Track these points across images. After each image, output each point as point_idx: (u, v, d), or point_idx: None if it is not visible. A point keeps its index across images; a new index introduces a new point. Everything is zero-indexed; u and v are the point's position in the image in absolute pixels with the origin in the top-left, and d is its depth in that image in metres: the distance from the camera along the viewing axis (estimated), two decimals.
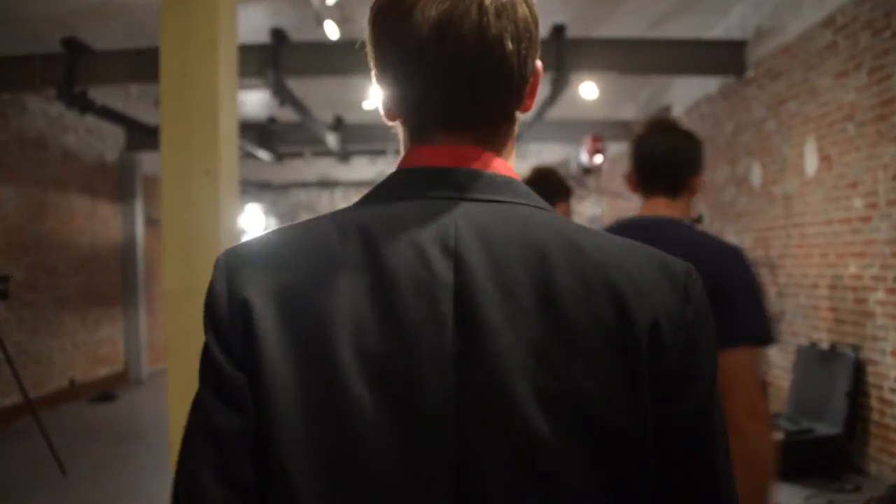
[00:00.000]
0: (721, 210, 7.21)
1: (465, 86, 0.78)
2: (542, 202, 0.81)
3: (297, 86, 7.14)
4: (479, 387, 0.70)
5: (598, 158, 7.32)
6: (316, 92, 7.79)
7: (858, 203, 4.89)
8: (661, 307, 0.74)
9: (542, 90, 7.28)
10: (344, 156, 10.42)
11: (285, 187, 13.44)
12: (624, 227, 1.91)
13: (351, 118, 9.83)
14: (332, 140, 9.38)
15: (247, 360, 0.72)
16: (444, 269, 0.73)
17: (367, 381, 0.70)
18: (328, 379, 0.70)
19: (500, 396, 0.70)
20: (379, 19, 0.80)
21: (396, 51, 0.78)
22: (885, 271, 4.62)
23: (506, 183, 0.80)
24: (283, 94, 6.53)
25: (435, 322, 0.71)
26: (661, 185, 1.95)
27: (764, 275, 6.44)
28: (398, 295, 0.72)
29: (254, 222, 12.62)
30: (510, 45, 0.76)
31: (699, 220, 3.12)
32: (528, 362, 0.70)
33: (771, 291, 6.35)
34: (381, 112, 0.86)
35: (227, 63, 2.78)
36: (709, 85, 7.34)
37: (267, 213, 12.98)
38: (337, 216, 0.81)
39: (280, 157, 9.92)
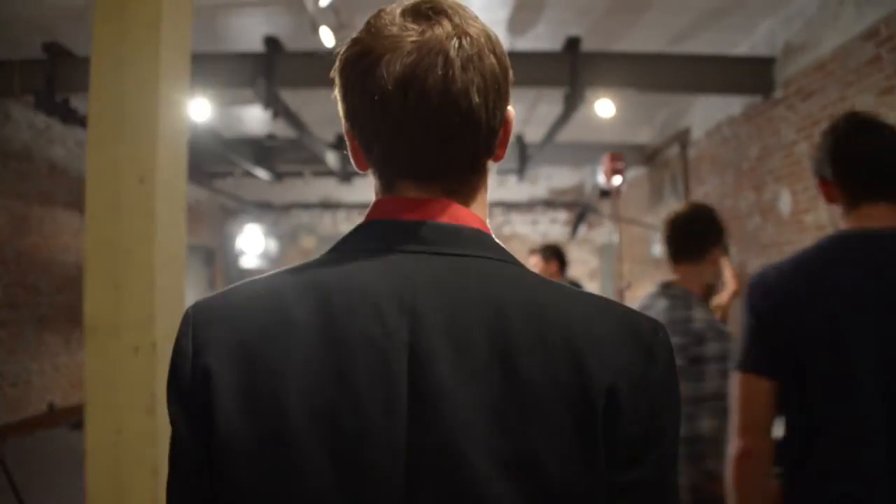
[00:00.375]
0: (745, 240, 6.70)
1: (430, 139, 0.78)
2: (508, 255, 0.82)
3: (293, 99, 6.74)
4: (430, 448, 0.69)
5: (618, 180, 6.38)
6: (315, 107, 7.40)
7: None
8: (622, 368, 0.73)
9: (555, 108, 6.93)
10: (345, 176, 10.01)
11: (286, 208, 13.02)
12: (853, 243, 1.72)
13: None
14: (332, 159, 8.97)
15: (204, 416, 0.73)
16: (398, 326, 0.73)
17: (317, 440, 0.69)
18: (278, 437, 0.70)
19: (452, 457, 0.69)
20: (346, 71, 0.80)
21: (362, 104, 0.78)
22: None
23: (472, 235, 0.80)
24: (276, 106, 6.10)
25: (387, 381, 0.71)
26: (883, 191, 1.71)
27: None
28: (349, 353, 0.72)
29: (252, 243, 12.20)
30: (476, 98, 0.77)
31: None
32: (482, 423, 0.69)
33: None
34: (352, 162, 0.86)
35: (174, 62, 2.33)
36: (732, 106, 6.88)
37: (267, 234, 12.55)
38: (297, 271, 0.81)
39: (279, 176, 9.50)
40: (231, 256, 12.38)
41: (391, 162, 0.82)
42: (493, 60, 0.79)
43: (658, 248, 7.51)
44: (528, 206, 13.72)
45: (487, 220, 0.87)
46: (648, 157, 9.94)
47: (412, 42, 0.76)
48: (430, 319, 0.72)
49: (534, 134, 8.90)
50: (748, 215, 6.70)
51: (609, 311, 0.77)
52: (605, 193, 7.31)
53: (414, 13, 0.78)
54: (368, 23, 0.80)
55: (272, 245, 12.59)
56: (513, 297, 0.74)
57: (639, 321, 0.76)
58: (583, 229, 11.72)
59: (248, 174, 9.39)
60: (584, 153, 9.66)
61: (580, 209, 6.64)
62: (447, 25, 0.77)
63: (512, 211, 13.55)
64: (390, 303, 0.73)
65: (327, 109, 8.71)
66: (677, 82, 6.11)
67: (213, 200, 11.93)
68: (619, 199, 6.67)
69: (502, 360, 0.70)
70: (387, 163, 0.82)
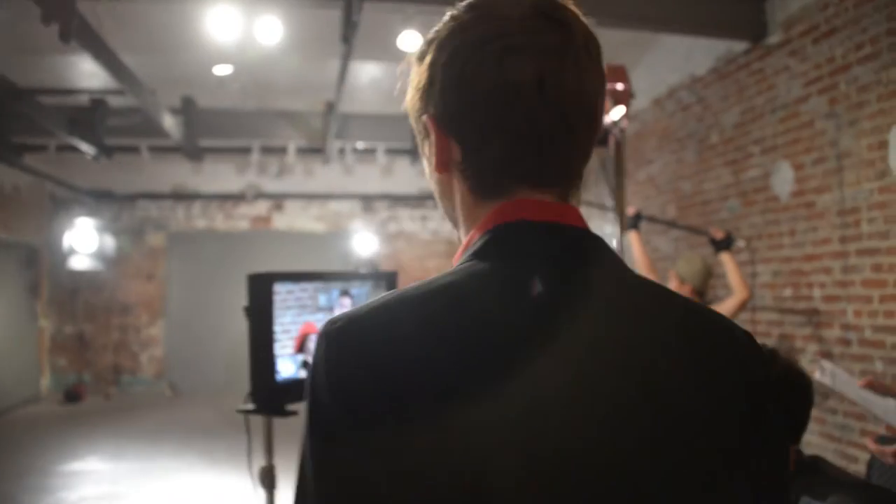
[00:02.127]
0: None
1: (561, 136, 0.74)
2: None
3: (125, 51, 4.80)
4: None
5: (618, 113, 3.69)
6: (155, 63, 5.49)
7: None
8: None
9: None
10: (193, 153, 8.01)
11: (131, 198, 10.76)
12: None
13: (206, 102, 7.46)
14: (171, 125, 6.98)
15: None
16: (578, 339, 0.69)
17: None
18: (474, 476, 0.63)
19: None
20: (459, 60, 0.74)
21: (484, 92, 0.72)
22: None
23: (606, 245, 0.77)
24: (86, 39, 4.13)
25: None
26: None
27: (798, 327, 4.46)
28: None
29: (84, 241, 9.88)
30: (598, 102, 0.76)
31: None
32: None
33: (809, 352, 4.37)
34: (431, 160, 0.80)
35: None
36: (695, 63, 5.43)
37: (104, 229, 10.25)
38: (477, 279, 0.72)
39: (107, 151, 7.37)
40: (59, 256, 10.02)
41: (512, 161, 0.74)
42: (602, 69, 0.77)
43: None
44: (417, 200, 12.04)
45: None
46: None
47: (552, 34, 0.72)
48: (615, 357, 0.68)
49: None
50: (720, 199, 5.24)
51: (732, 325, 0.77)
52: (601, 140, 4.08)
53: (546, 5, 0.74)
54: (487, 3, 0.76)
55: (109, 243, 10.30)
56: (669, 319, 0.74)
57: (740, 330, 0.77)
58: None
59: (70, 148, 7.23)
60: None
61: None
62: (579, 26, 0.74)
63: (399, 205, 11.84)
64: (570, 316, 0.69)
65: (175, 64, 6.87)
66: (643, 16, 4.54)
67: (38, 187, 9.54)
68: (622, 147, 3.98)
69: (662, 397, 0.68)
70: (505, 162, 0.75)
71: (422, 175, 11.01)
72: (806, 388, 1.71)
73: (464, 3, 0.77)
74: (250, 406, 1.64)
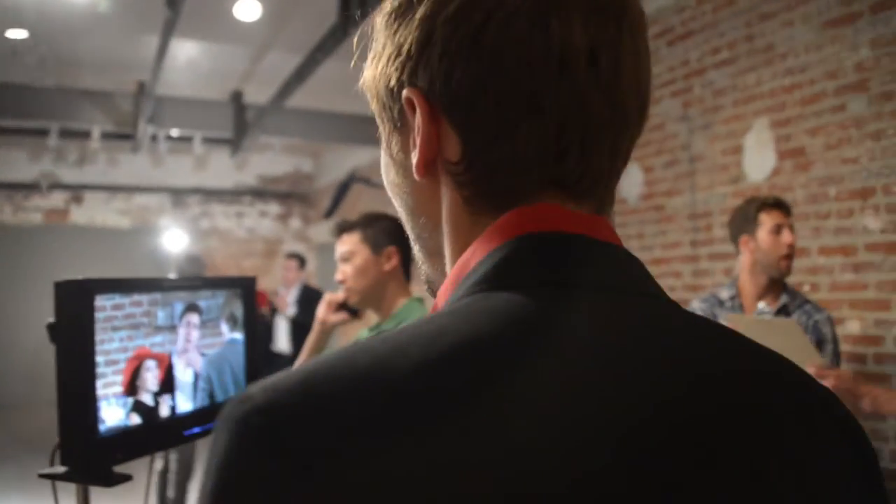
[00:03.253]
0: None
1: (612, 129, 0.54)
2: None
3: None
4: None
5: None
6: None
7: (872, 222, 3.01)
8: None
9: (296, 55, 4.91)
10: None
11: None
12: None
13: None
14: None
15: None
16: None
17: None
18: None
19: None
20: (478, 15, 0.51)
21: (516, 65, 0.51)
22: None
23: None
24: None
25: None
26: None
27: None
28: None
29: None
30: (647, 91, 0.57)
31: None
32: None
33: None
34: (398, 162, 0.60)
35: None
36: None
37: None
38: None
39: None
40: None
41: (544, 158, 0.53)
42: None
43: None
44: (233, 196, 11.36)
45: None
46: None
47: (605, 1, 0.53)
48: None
49: (258, 93, 6.70)
50: None
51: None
52: None
53: None
54: None
55: None
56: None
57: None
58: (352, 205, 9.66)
59: None
60: (321, 125, 7.61)
61: (346, 178, 4.53)
62: (634, 3, 0.56)
63: (213, 200, 11.13)
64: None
65: None
66: None
67: None
68: None
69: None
70: (533, 160, 0.53)
71: (240, 168, 10.37)
72: None
73: None
74: (59, 469, 1.12)
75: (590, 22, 0.51)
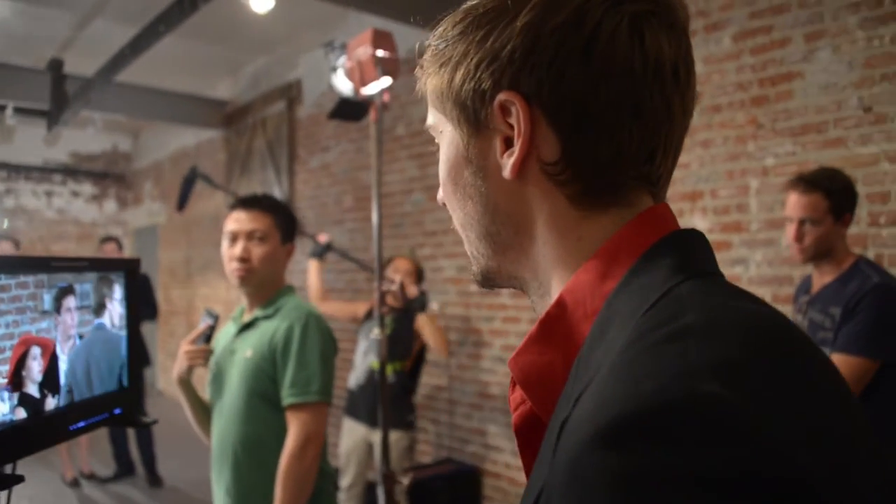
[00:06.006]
0: (429, 240, 5.23)
1: (681, 132, 0.62)
2: None
3: None
4: None
5: (378, 86, 2.79)
6: None
7: None
8: None
9: (130, 25, 4.63)
10: None
11: None
12: None
13: None
14: None
15: None
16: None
17: None
18: None
19: None
20: (590, 22, 0.56)
21: (625, 72, 0.56)
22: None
23: None
24: None
25: None
26: None
27: (484, 322, 4.59)
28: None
29: None
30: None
31: None
32: None
33: (496, 346, 4.53)
34: (483, 168, 0.62)
35: None
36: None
37: None
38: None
39: None
40: None
41: (639, 158, 0.59)
42: None
43: None
44: (41, 173, 10.55)
45: None
46: (228, 116, 7.94)
47: (680, 3, 0.61)
48: None
49: (80, 64, 6.27)
50: (404, 192, 5.21)
51: None
52: (352, 113, 3.36)
53: None
54: None
55: None
56: None
57: None
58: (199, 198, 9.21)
59: None
60: (149, 102, 7.26)
61: (189, 172, 4.39)
62: (689, 21, 0.63)
63: (19, 177, 10.30)
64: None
65: None
66: None
67: None
68: (380, 123, 2.99)
69: None
70: (632, 159, 0.59)
71: (52, 144, 9.66)
72: None
73: None
74: None
75: (671, 37, 0.58)
